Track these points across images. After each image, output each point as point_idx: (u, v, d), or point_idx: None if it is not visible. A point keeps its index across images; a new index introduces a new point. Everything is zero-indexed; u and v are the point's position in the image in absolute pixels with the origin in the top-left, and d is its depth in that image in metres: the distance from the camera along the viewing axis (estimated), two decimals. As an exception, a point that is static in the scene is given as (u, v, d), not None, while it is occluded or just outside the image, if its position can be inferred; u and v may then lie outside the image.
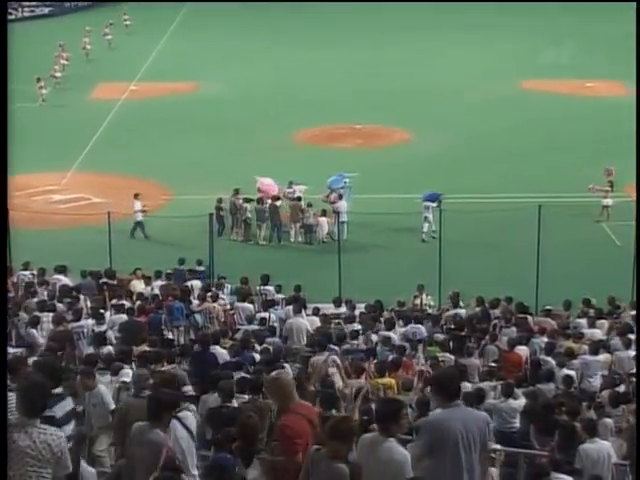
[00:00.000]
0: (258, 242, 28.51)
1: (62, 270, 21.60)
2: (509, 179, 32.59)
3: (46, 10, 68.18)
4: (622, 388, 14.90)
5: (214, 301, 19.70)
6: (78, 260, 22.90)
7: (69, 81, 47.68)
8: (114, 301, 19.16)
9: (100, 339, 15.78)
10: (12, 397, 7.16)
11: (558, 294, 21.28)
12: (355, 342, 17.43)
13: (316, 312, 19.57)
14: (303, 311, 18.99)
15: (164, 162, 34.67)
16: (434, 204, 27.77)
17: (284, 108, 42.59)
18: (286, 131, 39.02)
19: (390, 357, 15.87)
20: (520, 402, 13.86)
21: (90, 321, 17.36)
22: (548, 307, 20.53)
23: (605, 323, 19.43)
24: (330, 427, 7.54)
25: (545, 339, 17.67)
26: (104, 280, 21.27)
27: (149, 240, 28.34)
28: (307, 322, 18.45)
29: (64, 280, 21.15)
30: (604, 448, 11.38)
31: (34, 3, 67.76)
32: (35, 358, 13.59)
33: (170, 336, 18.01)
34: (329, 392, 12.56)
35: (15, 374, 8.66)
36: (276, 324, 18.94)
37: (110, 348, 15.27)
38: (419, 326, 18.59)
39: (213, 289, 21.39)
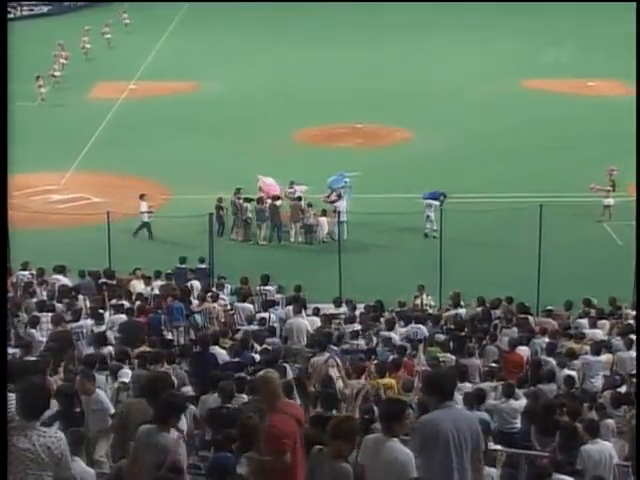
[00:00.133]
0: (258, 242, 28.45)
1: (61, 270, 21.52)
2: (510, 179, 32.54)
3: (45, 9, 68.19)
4: (624, 389, 14.83)
5: (214, 301, 19.64)
6: (77, 260, 22.83)
7: (68, 80, 47.62)
8: (113, 301, 19.09)
9: (99, 339, 15.71)
10: (12, 397, 7.13)
11: (559, 294, 21.24)
12: (355, 342, 17.38)
13: (316, 312, 19.51)
14: (303, 311, 18.93)
15: (163, 162, 34.62)
16: (437, 202, 27.72)
17: (284, 108, 42.55)
18: (286, 131, 38.97)
19: (390, 357, 15.81)
20: (521, 403, 13.81)
21: (89, 321, 17.30)
22: (549, 307, 20.47)
23: (606, 323, 19.37)
24: (333, 427, 7.53)
25: (546, 339, 17.61)
26: (103, 280, 21.21)
27: (149, 240, 28.27)
28: (307, 322, 18.38)
29: (63, 280, 21.09)
30: (606, 449, 11.34)
31: (33, 2, 67.73)
32: (34, 358, 13.66)
33: (170, 336, 17.94)
34: (330, 392, 12.52)
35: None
36: (276, 324, 18.88)
37: (110, 348, 15.21)
38: (420, 326, 18.53)
39: (213, 289, 21.33)
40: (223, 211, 28.52)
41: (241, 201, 28.63)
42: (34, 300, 19.16)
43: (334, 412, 11.30)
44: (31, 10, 67.11)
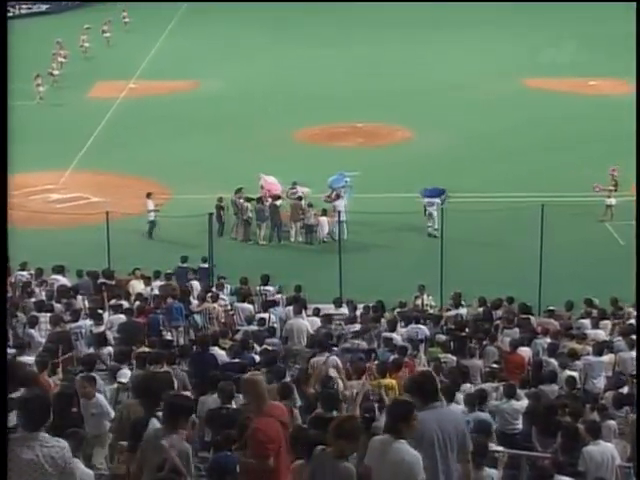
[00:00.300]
0: (258, 242, 28.39)
1: (60, 270, 21.46)
2: (510, 178, 32.46)
3: (44, 7, 68.04)
4: (626, 389, 14.76)
5: (214, 301, 19.57)
6: (76, 260, 22.74)
7: (67, 79, 47.55)
8: (112, 301, 19.02)
9: (98, 340, 15.63)
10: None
11: (561, 294, 21.16)
12: (356, 342, 17.31)
13: (316, 313, 19.43)
14: (303, 312, 18.85)
15: (163, 161, 34.53)
16: (439, 200, 27.64)
17: (284, 107, 42.48)
18: (286, 130, 38.90)
19: (391, 358, 15.74)
20: (522, 403, 13.74)
21: (88, 321, 17.23)
22: (551, 308, 20.39)
23: (608, 324, 19.30)
24: (335, 427, 7.47)
25: (548, 340, 17.53)
26: (102, 280, 21.13)
27: (148, 240, 28.18)
28: (307, 323, 18.31)
29: (62, 280, 21.02)
30: (608, 450, 11.29)
31: (32, 0, 67.59)
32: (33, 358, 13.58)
33: (169, 337, 17.86)
34: (330, 393, 12.44)
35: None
36: (276, 325, 18.80)
37: (110, 349, 15.13)
38: (420, 326, 18.46)
39: (213, 289, 21.26)
40: (223, 211, 28.46)
41: (242, 201, 28.56)
42: (33, 300, 19.08)
43: (334, 413, 11.22)
44: (29, 8, 66.99)
